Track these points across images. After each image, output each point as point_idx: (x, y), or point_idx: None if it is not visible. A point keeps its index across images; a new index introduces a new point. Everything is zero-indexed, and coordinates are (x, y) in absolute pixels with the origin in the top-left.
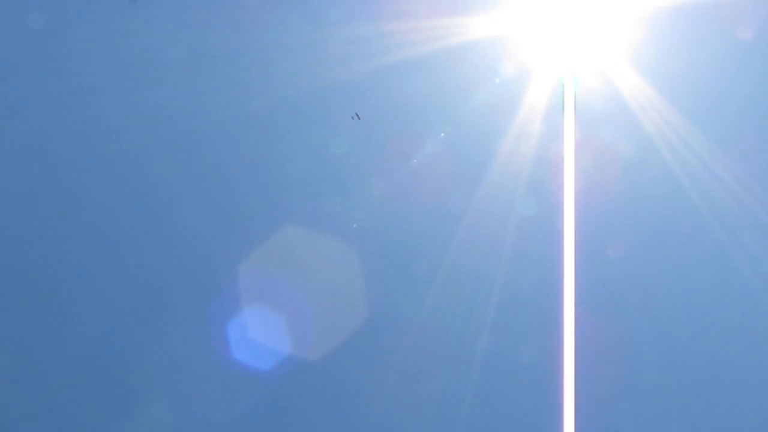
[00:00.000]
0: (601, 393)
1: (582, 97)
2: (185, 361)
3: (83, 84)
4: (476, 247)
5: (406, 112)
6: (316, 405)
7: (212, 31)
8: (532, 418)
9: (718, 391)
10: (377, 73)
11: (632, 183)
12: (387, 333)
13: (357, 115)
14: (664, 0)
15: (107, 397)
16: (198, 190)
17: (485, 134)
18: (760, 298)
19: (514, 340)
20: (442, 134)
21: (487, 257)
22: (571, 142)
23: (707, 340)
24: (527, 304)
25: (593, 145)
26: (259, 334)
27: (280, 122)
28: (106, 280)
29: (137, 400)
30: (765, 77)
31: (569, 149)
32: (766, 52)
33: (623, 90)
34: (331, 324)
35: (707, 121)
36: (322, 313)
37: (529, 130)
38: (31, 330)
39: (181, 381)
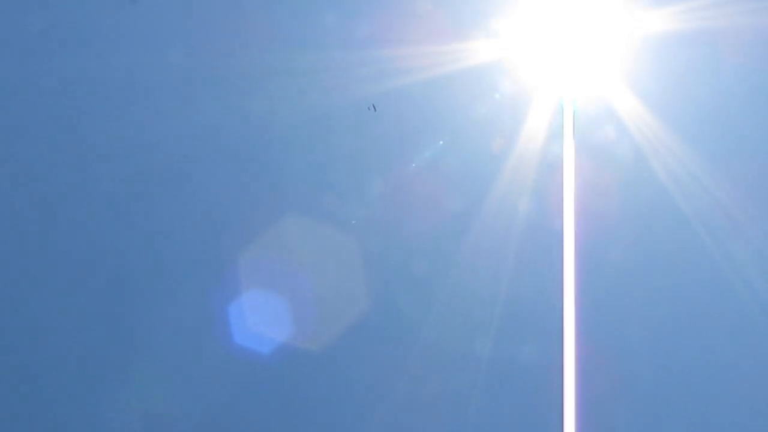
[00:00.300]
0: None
1: (581, 122)
2: (184, 344)
3: (83, 84)
4: (476, 268)
5: (405, 136)
6: (311, 399)
7: (212, 31)
8: (532, 420)
9: (718, 392)
10: (375, 98)
11: (632, 208)
12: (386, 334)
13: (373, 107)
14: (664, 24)
15: (104, 379)
16: (196, 193)
17: (484, 160)
18: (757, 298)
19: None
20: (440, 160)
21: (487, 276)
22: (570, 167)
23: (707, 343)
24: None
25: (593, 171)
26: (260, 318)
27: (279, 142)
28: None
29: (134, 383)
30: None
31: (569, 174)
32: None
33: (623, 115)
34: (327, 323)
35: (707, 145)
36: (319, 311)
37: (529, 155)
38: (31, 305)
39: (180, 363)
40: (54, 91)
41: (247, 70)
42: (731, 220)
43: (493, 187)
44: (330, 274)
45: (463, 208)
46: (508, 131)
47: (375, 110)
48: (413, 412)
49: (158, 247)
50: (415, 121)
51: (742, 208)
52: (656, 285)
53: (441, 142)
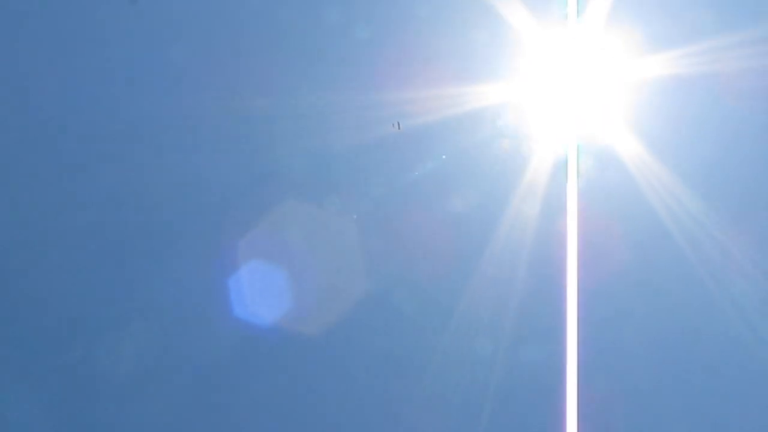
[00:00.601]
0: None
1: (585, 166)
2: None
3: (83, 83)
4: (477, 322)
5: (408, 181)
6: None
7: (212, 33)
8: (534, 420)
9: (717, 396)
10: (378, 143)
11: (635, 253)
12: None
13: (398, 124)
14: (665, 69)
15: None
16: (194, 196)
17: (487, 206)
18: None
19: None
20: (442, 202)
21: (489, 330)
22: (574, 212)
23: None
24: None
25: (596, 216)
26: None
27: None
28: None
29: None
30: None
31: (572, 220)
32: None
33: (626, 159)
34: (325, 321)
35: (709, 189)
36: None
37: (532, 200)
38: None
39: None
40: (54, 91)
41: (251, 113)
42: (733, 262)
43: (495, 230)
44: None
45: (467, 248)
46: (512, 174)
47: (399, 128)
48: (410, 411)
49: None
50: (419, 163)
51: (745, 250)
52: (660, 330)
53: (444, 156)
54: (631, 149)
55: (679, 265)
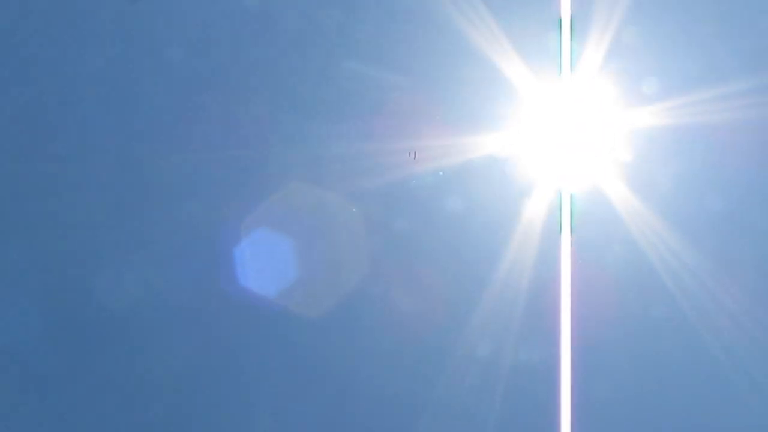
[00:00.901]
0: None
1: (579, 216)
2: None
3: (82, 83)
4: (469, 377)
5: (401, 232)
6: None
7: (213, 35)
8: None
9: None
10: (372, 193)
11: (629, 305)
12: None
13: (414, 154)
14: (660, 120)
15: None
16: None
17: (480, 257)
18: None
19: None
20: (436, 253)
21: (481, 386)
22: (567, 262)
23: None
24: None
25: (590, 266)
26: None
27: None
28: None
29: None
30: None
31: (566, 271)
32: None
33: (621, 209)
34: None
35: (706, 240)
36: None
37: (526, 250)
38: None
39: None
40: (54, 91)
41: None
42: (727, 312)
43: (489, 281)
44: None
45: (461, 297)
46: (506, 225)
47: (415, 158)
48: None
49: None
50: (414, 211)
51: (742, 304)
52: (653, 382)
53: (441, 173)
54: (625, 200)
55: (674, 316)
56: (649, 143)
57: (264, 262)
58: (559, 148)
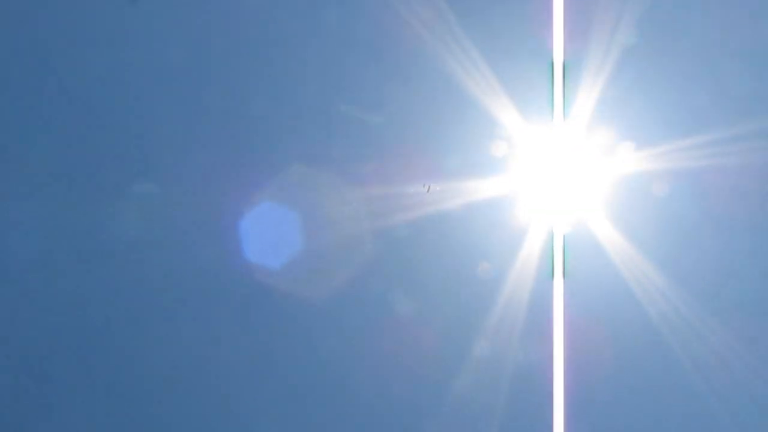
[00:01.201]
0: None
1: (572, 263)
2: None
3: (82, 84)
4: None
5: (386, 278)
6: None
7: (212, 35)
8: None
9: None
10: (356, 238)
11: (621, 344)
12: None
13: (428, 187)
14: (657, 164)
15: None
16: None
17: (471, 306)
18: None
19: None
20: (428, 296)
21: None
22: (560, 309)
23: None
24: None
25: (583, 314)
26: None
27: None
28: None
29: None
30: (759, 250)
31: (558, 317)
32: (760, 221)
33: (614, 256)
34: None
35: (696, 282)
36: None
37: (518, 298)
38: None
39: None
40: (53, 91)
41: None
42: (726, 365)
43: (481, 323)
44: None
45: (452, 338)
46: (497, 267)
47: (428, 190)
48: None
49: None
50: (403, 257)
51: (738, 352)
52: (646, 421)
53: (437, 187)
54: (619, 246)
55: (669, 367)
56: (642, 187)
57: (259, 247)
58: (550, 193)
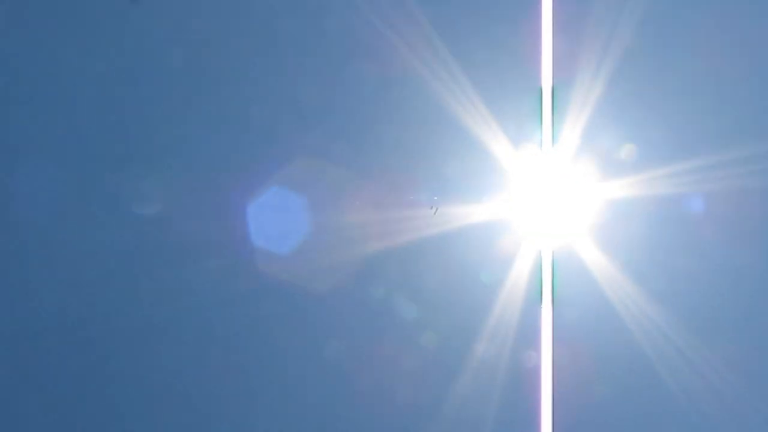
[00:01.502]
0: None
1: (561, 288)
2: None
3: (82, 84)
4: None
5: (374, 307)
6: None
7: (212, 36)
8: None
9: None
10: (345, 265)
11: (612, 384)
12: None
13: (436, 209)
14: (644, 189)
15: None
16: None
17: (459, 329)
18: None
19: None
20: (417, 321)
21: None
22: (548, 336)
23: None
24: None
25: (571, 341)
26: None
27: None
28: None
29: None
30: (746, 273)
31: (546, 344)
32: (747, 244)
33: (603, 282)
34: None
35: (684, 310)
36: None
37: (506, 323)
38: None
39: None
40: (53, 92)
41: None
42: (708, 384)
43: (469, 347)
44: None
45: (441, 362)
46: (486, 291)
47: (435, 212)
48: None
49: None
50: (394, 280)
51: (731, 382)
52: None
53: (436, 205)
54: (607, 271)
55: (658, 393)
56: (629, 213)
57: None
58: (539, 218)
